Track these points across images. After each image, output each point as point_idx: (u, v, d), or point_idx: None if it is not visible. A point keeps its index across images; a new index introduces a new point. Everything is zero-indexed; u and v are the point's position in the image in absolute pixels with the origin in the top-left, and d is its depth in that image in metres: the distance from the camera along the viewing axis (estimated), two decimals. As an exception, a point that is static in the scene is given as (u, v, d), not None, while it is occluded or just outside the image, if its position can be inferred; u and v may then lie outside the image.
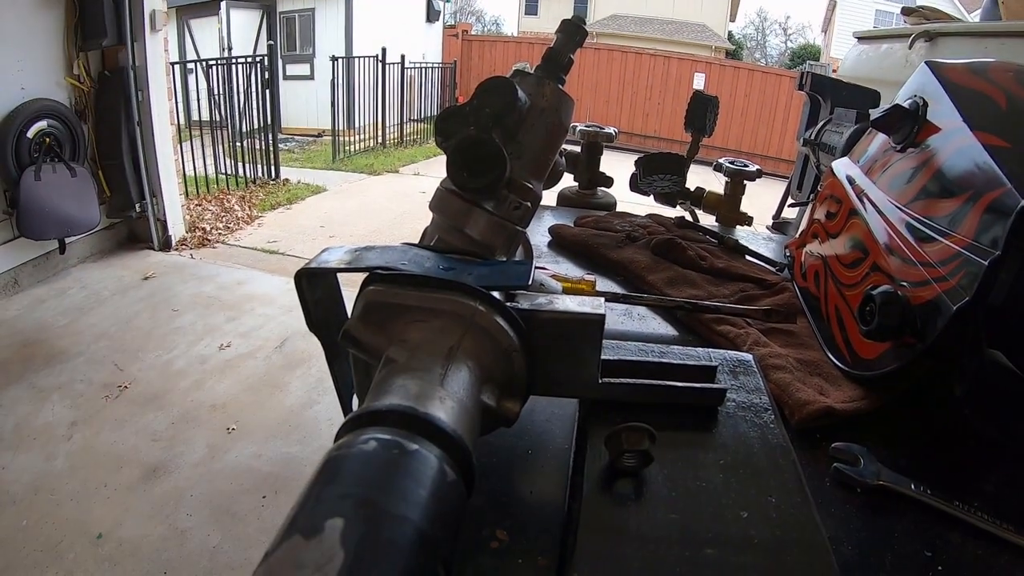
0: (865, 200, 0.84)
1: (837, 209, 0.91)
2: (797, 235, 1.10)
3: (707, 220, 1.43)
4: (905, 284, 0.70)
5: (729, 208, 1.37)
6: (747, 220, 1.38)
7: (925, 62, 0.83)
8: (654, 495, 0.49)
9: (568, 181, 1.48)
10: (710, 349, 0.68)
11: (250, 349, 3.36)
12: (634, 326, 0.88)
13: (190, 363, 3.12)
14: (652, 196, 1.36)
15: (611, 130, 1.42)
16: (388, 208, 6.41)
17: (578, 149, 1.40)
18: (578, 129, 1.36)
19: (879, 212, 0.79)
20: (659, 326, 0.89)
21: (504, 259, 0.56)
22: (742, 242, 1.14)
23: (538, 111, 0.59)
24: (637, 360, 0.60)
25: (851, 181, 0.90)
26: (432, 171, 8.66)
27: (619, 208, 1.44)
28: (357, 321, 0.47)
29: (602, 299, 0.52)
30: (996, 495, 0.64)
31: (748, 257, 1.09)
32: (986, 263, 0.60)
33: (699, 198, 1.38)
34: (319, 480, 0.32)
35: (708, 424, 0.57)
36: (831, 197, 0.95)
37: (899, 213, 0.75)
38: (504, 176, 0.53)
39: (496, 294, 0.48)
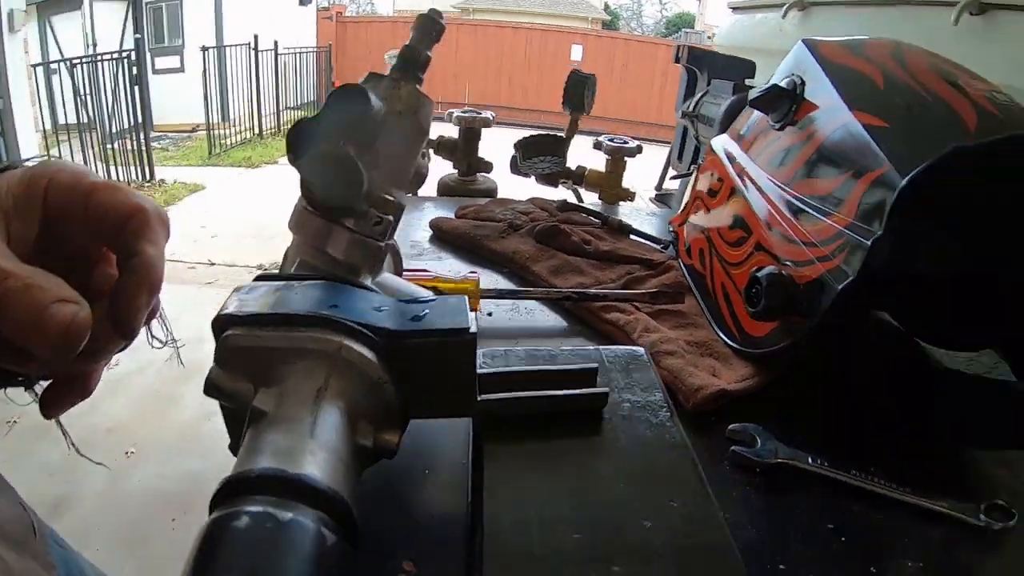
0: (746, 178, 0.83)
1: (718, 187, 0.91)
2: (680, 210, 1.10)
3: (590, 198, 1.42)
4: (789, 263, 0.70)
5: (611, 185, 1.36)
6: (629, 196, 1.38)
7: (802, 40, 0.83)
8: (556, 514, 0.47)
9: (447, 168, 1.43)
10: (602, 347, 0.66)
11: (139, 365, 3.16)
12: (523, 321, 0.85)
13: (77, 388, 2.94)
14: (534, 178, 1.33)
15: (488, 114, 1.38)
16: (270, 202, 6.20)
17: (456, 134, 1.35)
18: (455, 115, 1.31)
19: (760, 191, 0.79)
20: (547, 318, 0.86)
21: (369, 279, 0.53)
22: (626, 220, 1.12)
23: (395, 116, 0.55)
24: (515, 371, 0.58)
25: (731, 159, 0.90)
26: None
27: (501, 191, 1.40)
28: (219, 369, 0.42)
29: (473, 314, 0.48)
30: (892, 460, 0.65)
31: (633, 236, 1.07)
32: (869, 243, 0.61)
33: (581, 176, 1.37)
34: (197, 568, 0.30)
35: (599, 429, 0.56)
36: (711, 174, 0.95)
37: (780, 192, 0.75)
38: (362, 191, 0.48)
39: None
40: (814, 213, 0.69)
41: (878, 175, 0.63)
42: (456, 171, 1.39)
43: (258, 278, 0.48)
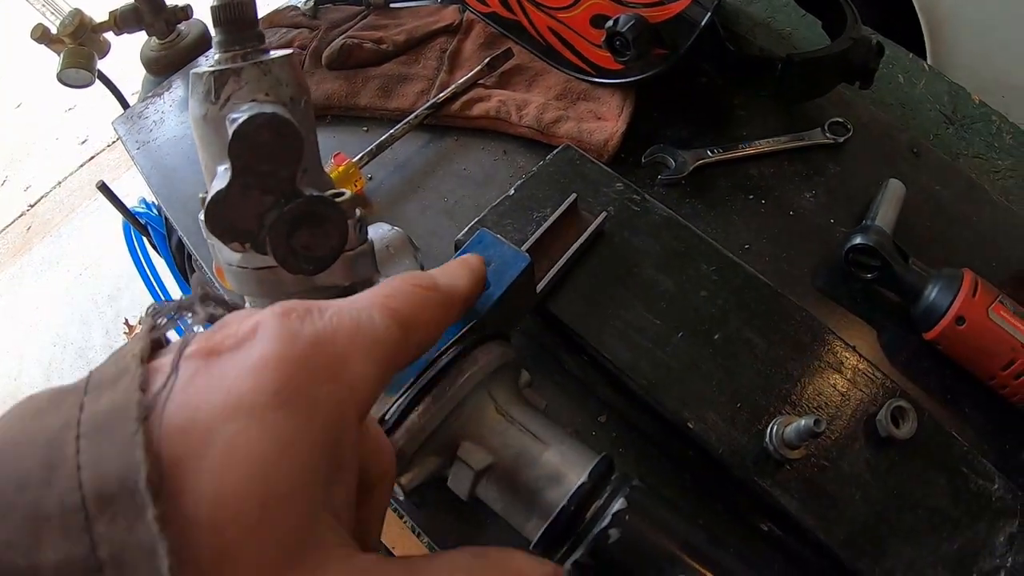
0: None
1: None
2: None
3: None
4: (636, 6, 0.72)
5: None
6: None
7: None
8: (646, 324, 0.57)
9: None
10: (539, 166, 0.66)
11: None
12: (402, 161, 0.81)
13: None
14: None
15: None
16: None
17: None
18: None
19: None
20: (425, 148, 0.82)
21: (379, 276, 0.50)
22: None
23: (297, 105, 0.46)
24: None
25: None
26: None
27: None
28: (407, 477, 0.41)
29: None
30: (759, 125, 0.81)
31: (404, 4, 0.97)
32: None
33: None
34: None
35: (610, 241, 0.63)
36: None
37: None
38: (347, 230, 0.40)
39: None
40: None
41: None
42: (153, 39, 1.05)
43: None
